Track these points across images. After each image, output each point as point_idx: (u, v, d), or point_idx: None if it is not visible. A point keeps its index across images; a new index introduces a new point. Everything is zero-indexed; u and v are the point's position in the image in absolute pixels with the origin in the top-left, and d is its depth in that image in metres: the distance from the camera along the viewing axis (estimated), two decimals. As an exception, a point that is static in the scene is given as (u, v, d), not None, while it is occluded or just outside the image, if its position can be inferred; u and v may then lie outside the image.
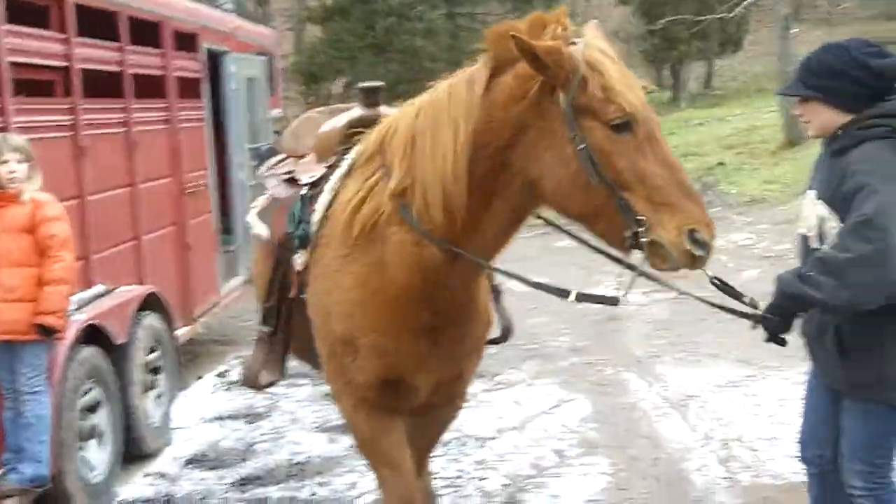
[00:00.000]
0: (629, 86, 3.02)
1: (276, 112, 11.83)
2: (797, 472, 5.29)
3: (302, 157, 4.15)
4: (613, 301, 3.27)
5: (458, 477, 5.66)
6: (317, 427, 6.74)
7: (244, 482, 5.80)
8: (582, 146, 2.98)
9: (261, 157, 5.39)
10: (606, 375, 7.74)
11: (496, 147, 3.15)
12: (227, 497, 5.59)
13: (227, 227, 9.55)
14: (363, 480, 5.59)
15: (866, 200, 3.20)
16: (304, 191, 3.82)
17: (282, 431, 6.71)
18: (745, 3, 26.57)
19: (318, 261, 3.63)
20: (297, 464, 6.04)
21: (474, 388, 7.35)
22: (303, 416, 7.01)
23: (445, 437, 6.08)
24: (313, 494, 5.52)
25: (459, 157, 3.17)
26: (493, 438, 6.31)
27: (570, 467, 5.70)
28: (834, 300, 3.24)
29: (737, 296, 3.43)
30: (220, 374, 8.30)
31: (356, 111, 4.06)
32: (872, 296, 3.20)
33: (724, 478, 5.41)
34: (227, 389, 7.90)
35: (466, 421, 6.58)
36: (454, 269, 3.36)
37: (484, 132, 3.15)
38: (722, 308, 3.45)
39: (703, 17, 28.74)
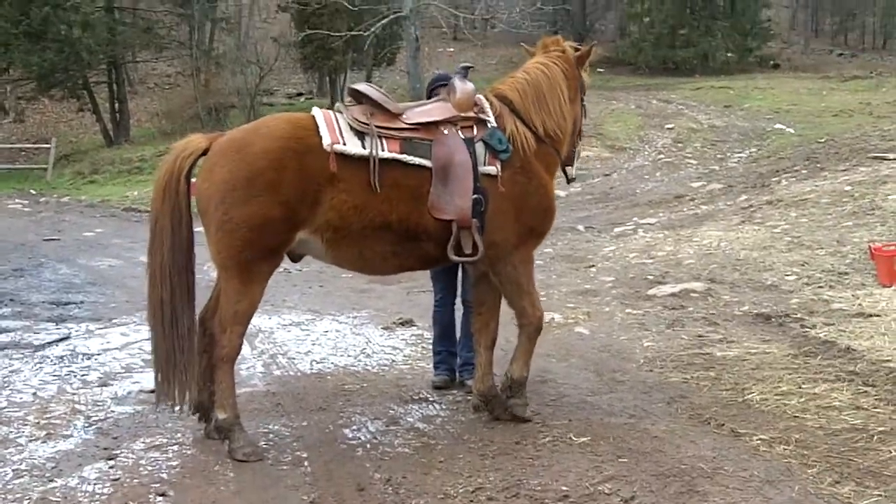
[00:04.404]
0: None
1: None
2: (313, 370, 7.64)
3: (399, 114, 5.85)
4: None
5: (68, 375, 7.50)
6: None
7: None
8: (584, 97, 6.48)
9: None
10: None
11: (567, 99, 6.29)
12: None
13: None
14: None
15: None
16: (492, 126, 5.97)
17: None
18: (380, 23, 29.48)
19: (510, 167, 5.89)
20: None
21: (91, 325, 9.27)
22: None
23: (60, 353, 8.03)
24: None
25: (566, 104, 6.27)
26: (99, 354, 8.21)
27: (152, 369, 7.65)
28: None
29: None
30: None
31: (469, 83, 6.11)
32: None
33: (262, 372, 7.61)
34: None
35: (80, 344, 8.52)
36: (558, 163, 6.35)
37: (567, 91, 6.30)
38: None
39: (342, 33, 31.11)
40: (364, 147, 5.60)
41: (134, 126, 39.95)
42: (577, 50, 6.50)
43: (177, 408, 5.84)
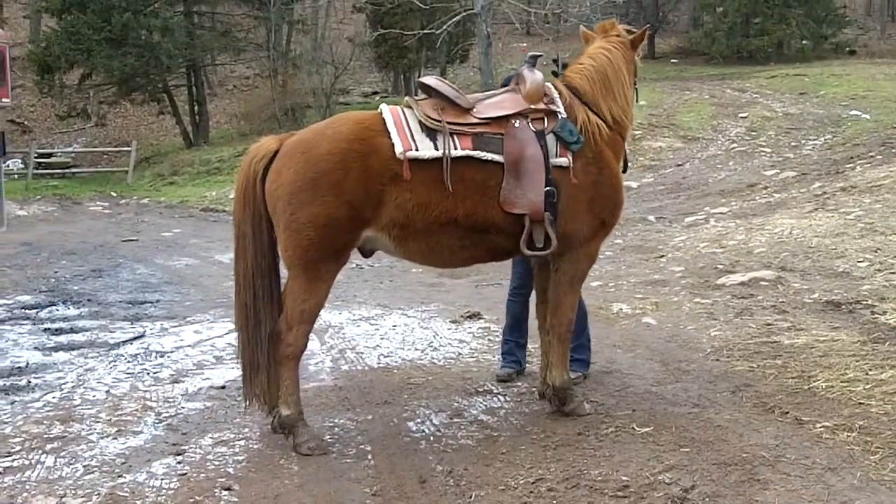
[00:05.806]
0: None
1: (6, 101, 13.39)
2: (380, 364, 7.72)
3: (470, 108, 5.82)
4: None
5: (140, 373, 7.68)
6: (35, 348, 8.62)
7: (-27, 380, 7.60)
8: (636, 80, 6.45)
9: None
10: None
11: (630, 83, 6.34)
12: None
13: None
14: (69, 376, 7.58)
15: None
16: (563, 116, 5.92)
17: (5, 350, 8.50)
18: (452, 21, 29.60)
19: (581, 157, 5.86)
20: (18, 367, 7.89)
21: (165, 323, 9.48)
22: (23, 342, 8.86)
23: (134, 351, 8.21)
24: (29, 382, 7.41)
25: (629, 89, 6.30)
26: (172, 352, 8.38)
27: (223, 365, 7.85)
28: None
29: None
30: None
31: (538, 73, 6.08)
32: None
33: (330, 367, 7.72)
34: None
35: (154, 342, 8.70)
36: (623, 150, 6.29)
37: (628, 75, 6.31)
38: None
39: (415, 32, 31.24)
40: (436, 147, 5.59)
41: (213, 128, 40.63)
42: (630, 33, 6.46)
43: (265, 408, 5.99)
